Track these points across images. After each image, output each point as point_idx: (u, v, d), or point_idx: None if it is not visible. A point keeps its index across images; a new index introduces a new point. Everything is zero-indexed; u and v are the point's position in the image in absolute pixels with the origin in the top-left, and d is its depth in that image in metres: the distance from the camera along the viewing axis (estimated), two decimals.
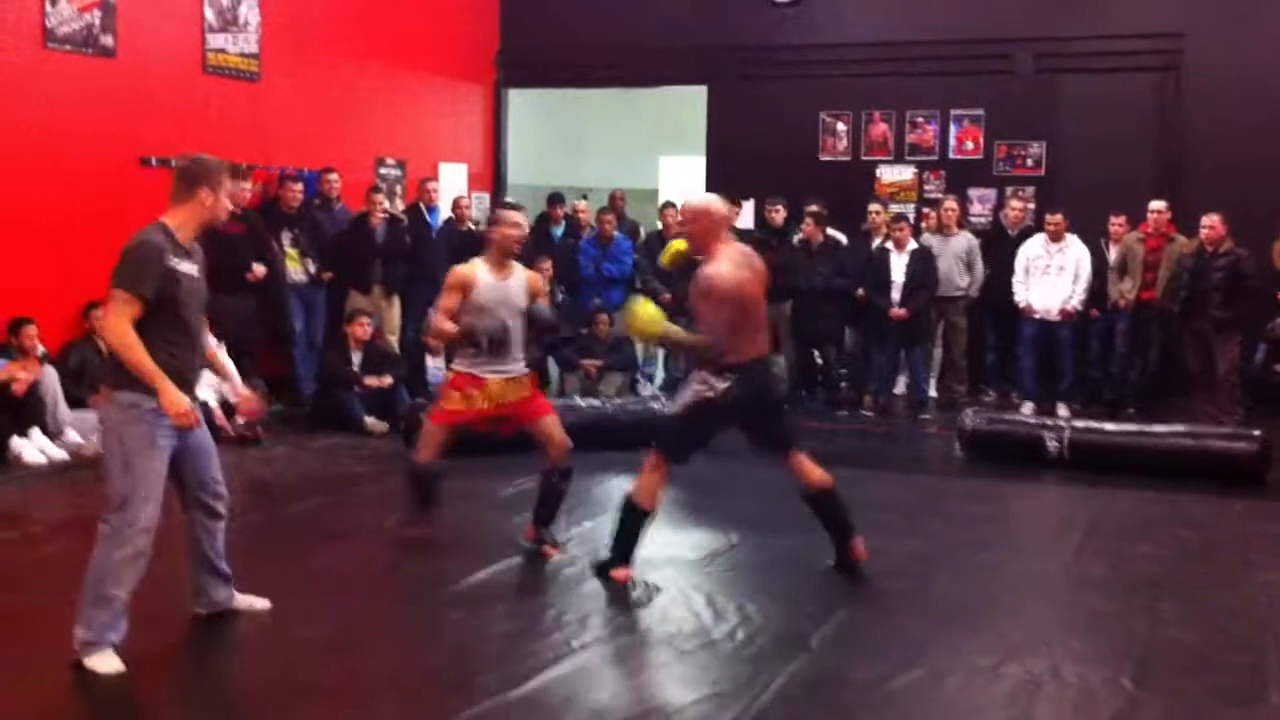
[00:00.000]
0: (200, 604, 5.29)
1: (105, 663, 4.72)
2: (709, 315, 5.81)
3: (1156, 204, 10.93)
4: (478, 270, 6.39)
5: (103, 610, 4.74)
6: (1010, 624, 5.49)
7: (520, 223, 6.47)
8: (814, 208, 11.45)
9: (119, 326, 4.72)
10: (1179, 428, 9.06)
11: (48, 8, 9.04)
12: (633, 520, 6.09)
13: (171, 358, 4.79)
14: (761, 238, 11.33)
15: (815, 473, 6.18)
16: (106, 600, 4.74)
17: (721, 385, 5.87)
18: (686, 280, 6.30)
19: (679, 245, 6.39)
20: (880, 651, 5.09)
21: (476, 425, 6.51)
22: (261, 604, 5.41)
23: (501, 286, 6.38)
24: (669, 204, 12.27)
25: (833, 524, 6.21)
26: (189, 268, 4.95)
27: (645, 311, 6.10)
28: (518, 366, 6.49)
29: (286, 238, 10.61)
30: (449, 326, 6.35)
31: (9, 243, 8.85)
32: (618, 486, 8.05)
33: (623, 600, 5.73)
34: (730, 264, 5.86)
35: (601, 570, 6.12)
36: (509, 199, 12.88)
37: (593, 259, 12.20)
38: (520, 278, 6.48)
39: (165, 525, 4.94)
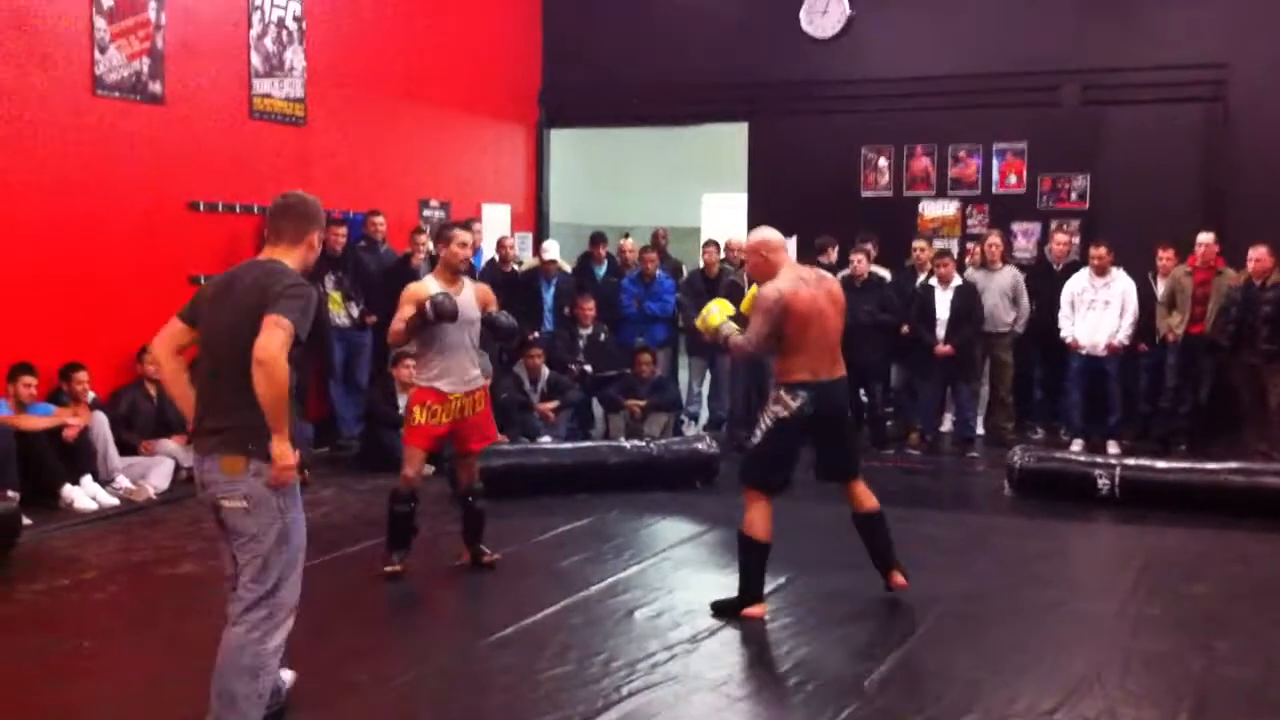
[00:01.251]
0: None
1: None
2: (753, 326, 6.08)
3: (1204, 236, 10.83)
4: (429, 285, 6.77)
5: (256, 707, 4.35)
6: (1064, 665, 5.43)
7: (467, 242, 6.93)
8: (867, 245, 11.44)
9: (283, 361, 4.16)
10: (1231, 465, 8.94)
11: (97, 55, 9.18)
12: (752, 555, 6.15)
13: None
14: None
15: (870, 500, 6.41)
16: (260, 695, 4.36)
17: (795, 403, 6.05)
18: (736, 319, 6.48)
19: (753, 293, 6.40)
20: (934, 695, 5.05)
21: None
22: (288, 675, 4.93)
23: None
24: (711, 242, 12.28)
25: (876, 549, 6.41)
26: None
27: (716, 305, 6.47)
28: (476, 378, 6.88)
29: (330, 280, 10.68)
30: (400, 325, 6.67)
31: (60, 289, 8.95)
32: (666, 528, 8.08)
33: (672, 645, 5.70)
34: (787, 281, 6.10)
35: (723, 611, 6.13)
36: (500, 234, 12.98)
37: (635, 297, 12.21)
38: (469, 291, 6.87)
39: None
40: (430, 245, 11.44)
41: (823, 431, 6.22)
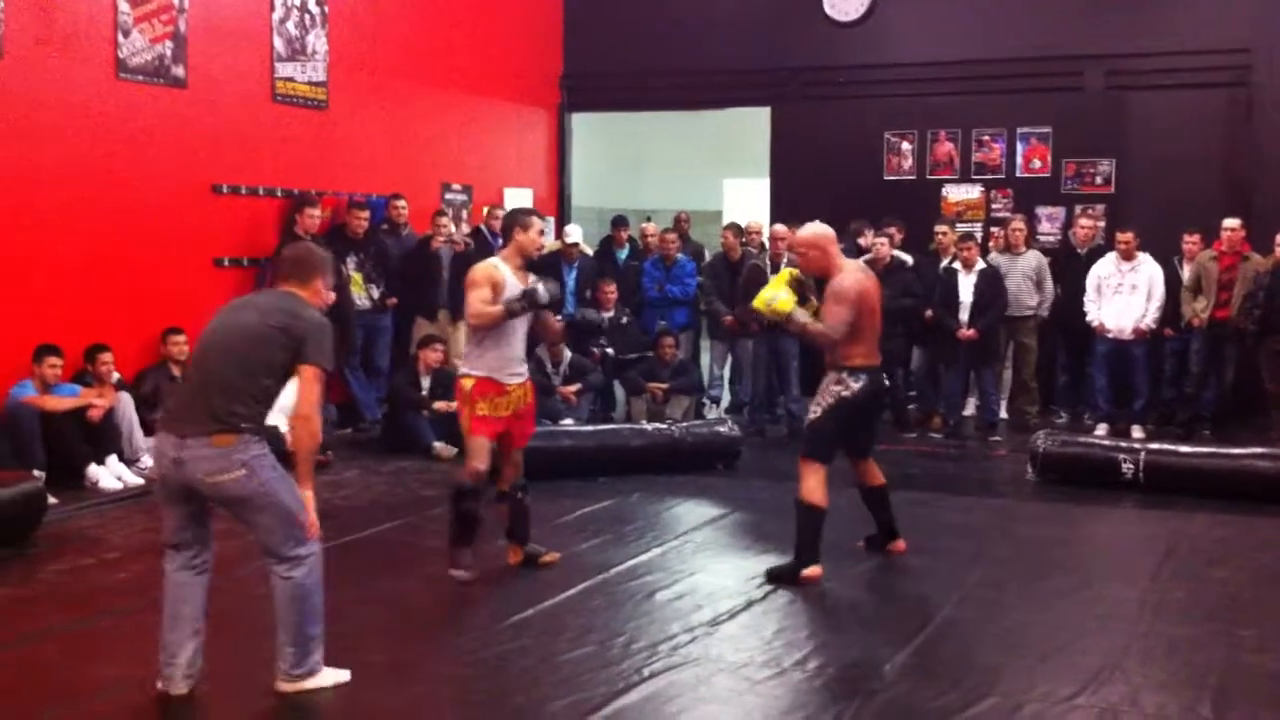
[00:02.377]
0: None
1: (333, 675, 4.91)
2: (835, 315, 6.45)
3: (1231, 222, 10.76)
4: (503, 270, 6.46)
5: (318, 641, 4.85)
6: (1086, 651, 5.40)
7: (544, 230, 6.91)
8: (892, 229, 11.41)
9: (316, 411, 4.72)
10: (1256, 450, 8.88)
11: (120, 39, 9.20)
12: (811, 520, 6.47)
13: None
14: None
15: (879, 475, 6.98)
16: (318, 631, 4.84)
17: (856, 385, 6.50)
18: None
19: (791, 272, 6.80)
20: (954, 680, 5.03)
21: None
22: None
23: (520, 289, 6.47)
24: (733, 225, 12.25)
25: (883, 515, 6.97)
26: None
27: (783, 290, 6.61)
28: (525, 369, 6.72)
29: (351, 263, 10.70)
30: (496, 310, 6.35)
31: (84, 271, 8.99)
32: (687, 511, 8.08)
33: (693, 627, 5.70)
34: (857, 272, 6.68)
35: (780, 577, 6.42)
36: (533, 216, 12.96)
37: (656, 281, 12.20)
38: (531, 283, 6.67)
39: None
40: (452, 228, 11.46)
41: (866, 413, 6.71)
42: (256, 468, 4.64)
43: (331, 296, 5.10)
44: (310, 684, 4.83)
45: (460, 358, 11.17)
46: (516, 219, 6.65)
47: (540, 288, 6.44)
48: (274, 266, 5.08)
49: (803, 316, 6.58)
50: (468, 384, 6.42)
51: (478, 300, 6.35)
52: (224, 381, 4.66)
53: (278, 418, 9.44)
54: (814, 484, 6.46)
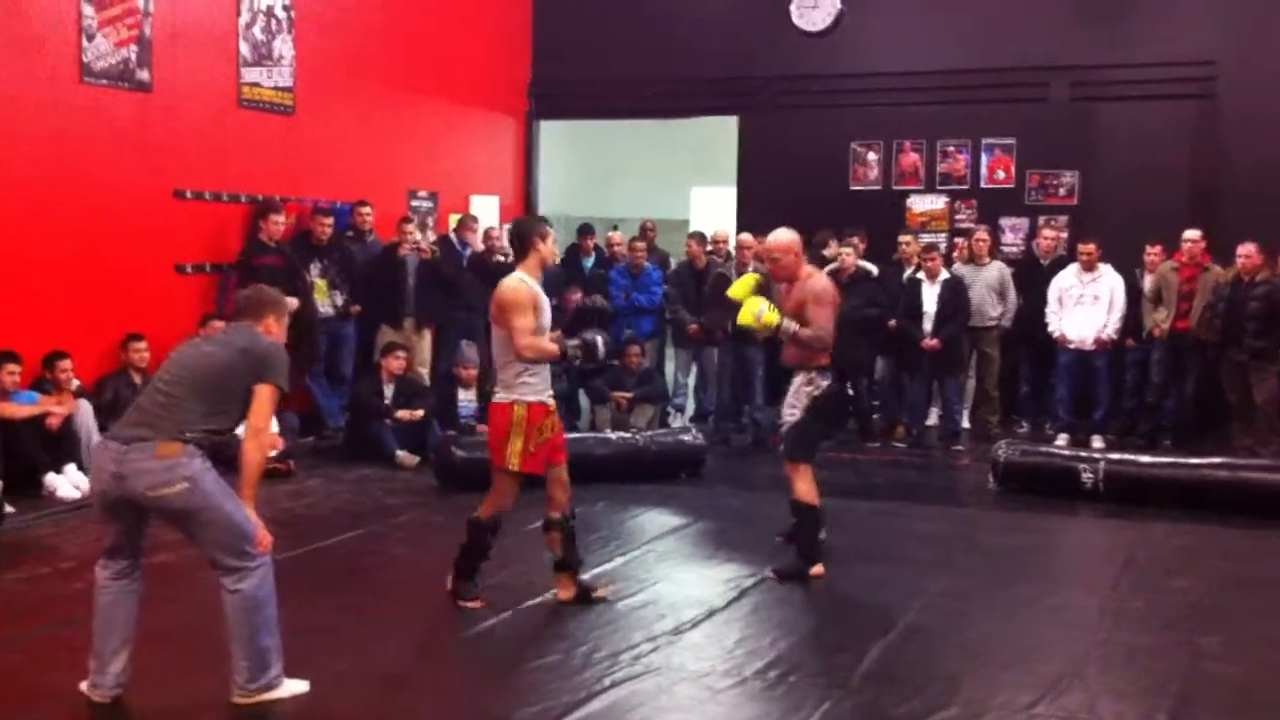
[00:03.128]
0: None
1: (295, 686, 4.89)
2: (824, 318, 6.62)
3: (1191, 233, 10.85)
4: (534, 287, 6.07)
5: (274, 652, 4.82)
6: (1047, 659, 5.43)
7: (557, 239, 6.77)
8: (855, 239, 11.46)
9: (270, 430, 4.88)
10: (1215, 460, 8.96)
11: (84, 43, 9.13)
12: (811, 520, 6.73)
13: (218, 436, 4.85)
14: None
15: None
16: (273, 643, 4.82)
17: (824, 383, 6.70)
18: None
19: (755, 278, 6.98)
20: (916, 688, 5.04)
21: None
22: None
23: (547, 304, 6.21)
24: (697, 234, 12.27)
25: (804, 536, 6.84)
26: None
27: (763, 303, 6.68)
28: None
29: (315, 269, 10.65)
30: (553, 348, 6.08)
31: (44, 276, 8.91)
32: (651, 520, 8.08)
33: (655, 636, 5.70)
34: (824, 277, 6.94)
35: (791, 575, 6.65)
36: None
37: (623, 289, 12.20)
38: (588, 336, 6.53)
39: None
40: (418, 235, 11.42)
41: (840, 406, 7.01)
42: (199, 480, 4.64)
43: (283, 334, 5.12)
44: (267, 697, 4.80)
45: (424, 366, 11.32)
46: (535, 228, 6.28)
47: (598, 341, 6.36)
48: (233, 309, 5.20)
49: (791, 324, 6.63)
50: (520, 411, 5.96)
51: (528, 331, 5.91)
52: (183, 398, 4.72)
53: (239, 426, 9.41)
54: (807, 485, 6.68)
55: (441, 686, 5.11)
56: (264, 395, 4.76)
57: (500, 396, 6.04)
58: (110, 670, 4.80)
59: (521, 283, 6.01)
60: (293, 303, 10.11)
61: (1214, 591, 6.60)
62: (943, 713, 4.79)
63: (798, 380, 6.79)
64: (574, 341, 6.24)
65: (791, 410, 6.79)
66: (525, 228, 6.34)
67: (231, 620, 4.75)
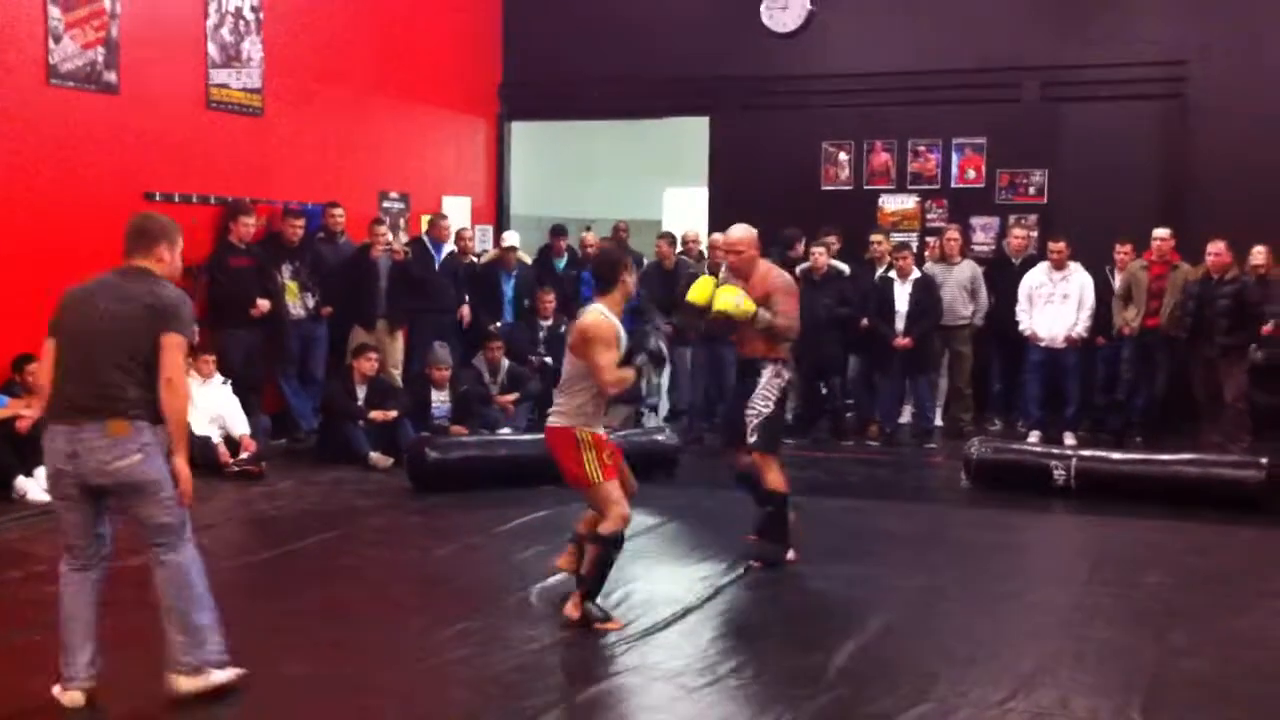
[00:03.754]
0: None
1: (228, 674, 4.86)
2: (792, 309, 6.88)
3: (1160, 232, 10.92)
4: (615, 321, 5.99)
5: (211, 630, 4.84)
6: (1019, 656, 5.46)
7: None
8: (830, 238, 11.48)
9: (185, 381, 4.85)
10: (1185, 456, 9.02)
11: (51, 45, 9.07)
12: (782, 506, 6.89)
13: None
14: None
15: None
16: (209, 620, 4.85)
17: (788, 375, 6.99)
18: (694, 312, 7.04)
19: (711, 281, 7.01)
20: (889, 686, 5.06)
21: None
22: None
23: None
24: (667, 235, 12.28)
25: (778, 522, 6.99)
26: None
27: (738, 293, 6.74)
28: None
29: (286, 271, 10.61)
30: (631, 373, 6.03)
31: (13, 279, 8.84)
32: None
33: (627, 637, 5.69)
34: (783, 271, 7.16)
35: (768, 560, 6.84)
36: (509, 230, 12.94)
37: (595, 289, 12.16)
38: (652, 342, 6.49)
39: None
40: (390, 236, 11.39)
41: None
42: (151, 454, 4.73)
43: (177, 262, 5.11)
44: (210, 680, 4.80)
45: (397, 367, 11.28)
46: (624, 262, 6.13)
47: (661, 347, 6.37)
48: (123, 244, 5.20)
49: (766, 314, 6.76)
50: (585, 434, 5.91)
51: (613, 366, 5.86)
52: (107, 369, 4.73)
53: (209, 428, 9.39)
54: (776, 474, 6.86)
55: (412, 689, 5.09)
56: (170, 345, 4.74)
57: (558, 421, 6.00)
58: (79, 661, 4.81)
59: (604, 316, 5.92)
60: (264, 304, 10.18)
61: (1184, 587, 6.64)
62: (915, 709, 4.80)
63: (767, 373, 6.89)
64: (640, 357, 6.15)
65: (765, 403, 6.86)
66: (613, 259, 6.19)
67: (165, 595, 4.80)
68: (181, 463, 4.77)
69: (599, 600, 5.93)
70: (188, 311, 4.88)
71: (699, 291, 6.94)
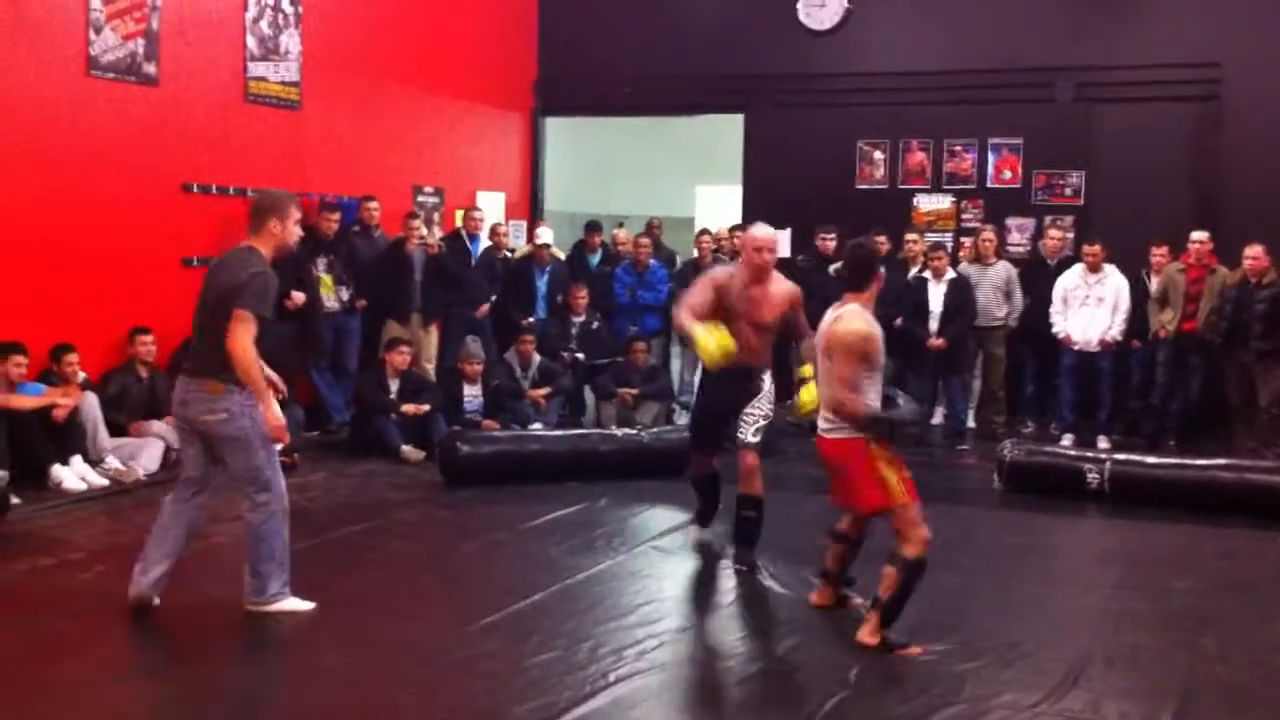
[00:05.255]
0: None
1: (294, 604, 5.73)
2: (806, 326, 6.78)
3: (1198, 235, 10.84)
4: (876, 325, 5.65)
5: (273, 577, 5.67)
6: (1050, 659, 5.43)
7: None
8: (880, 237, 11.43)
9: (249, 347, 5.44)
10: (1219, 461, 8.96)
11: (91, 36, 9.14)
12: (761, 510, 6.85)
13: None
14: (805, 266, 11.43)
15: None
16: (271, 568, 5.66)
17: (771, 382, 6.89)
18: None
19: (729, 342, 6.29)
20: (920, 687, 5.04)
21: None
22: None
23: None
24: (705, 231, 12.26)
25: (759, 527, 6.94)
26: None
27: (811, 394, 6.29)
28: None
29: (321, 264, 10.66)
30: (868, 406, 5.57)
31: (51, 269, 8.92)
32: (655, 516, 8.08)
33: (659, 633, 5.69)
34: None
35: (751, 566, 6.74)
36: (543, 224, 12.96)
37: (628, 286, 12.20)
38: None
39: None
40: (424, 230, 11.42)
41: None
42: (237, 415, 5.51)
43: (294, 232, 5.81)
44: (271, 608, 5.65)
45: (430, 361, 11.32)
46: (876, 258, 5.83)
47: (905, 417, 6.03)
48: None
49: (810, 369, 6.30)
50: (879, 449, 5.56)
51: (852, 387, 5.52)
52: (210, 335, 5.50)
53: None
54: (760, 480, 6.87)
55: (441, 682, 5.11)
56: (236, 319, 5.40)
57: (842, 432, 5.56)
58: (151, 575, 5.66)
59: (871, 324, 5.59)
60: (299, 297, 10.23)
61: (1216, 592, 6.60)
62: (946, 711, 4.79)
63: (768, 379, 6.90)
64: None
65: (771, 405, 6.90)
66: (867, 256, 5.74)
67: (245, 542, 5.67)
68: (265, 410, 5.51)
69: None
70: (258, 287, 5.47)
71: (809, 397, 6.28)
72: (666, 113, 14.56)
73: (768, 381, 6.87)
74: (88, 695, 4.82)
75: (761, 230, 6.78)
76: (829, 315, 5.67)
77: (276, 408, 5.61)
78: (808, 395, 6.33)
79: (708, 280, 6.72)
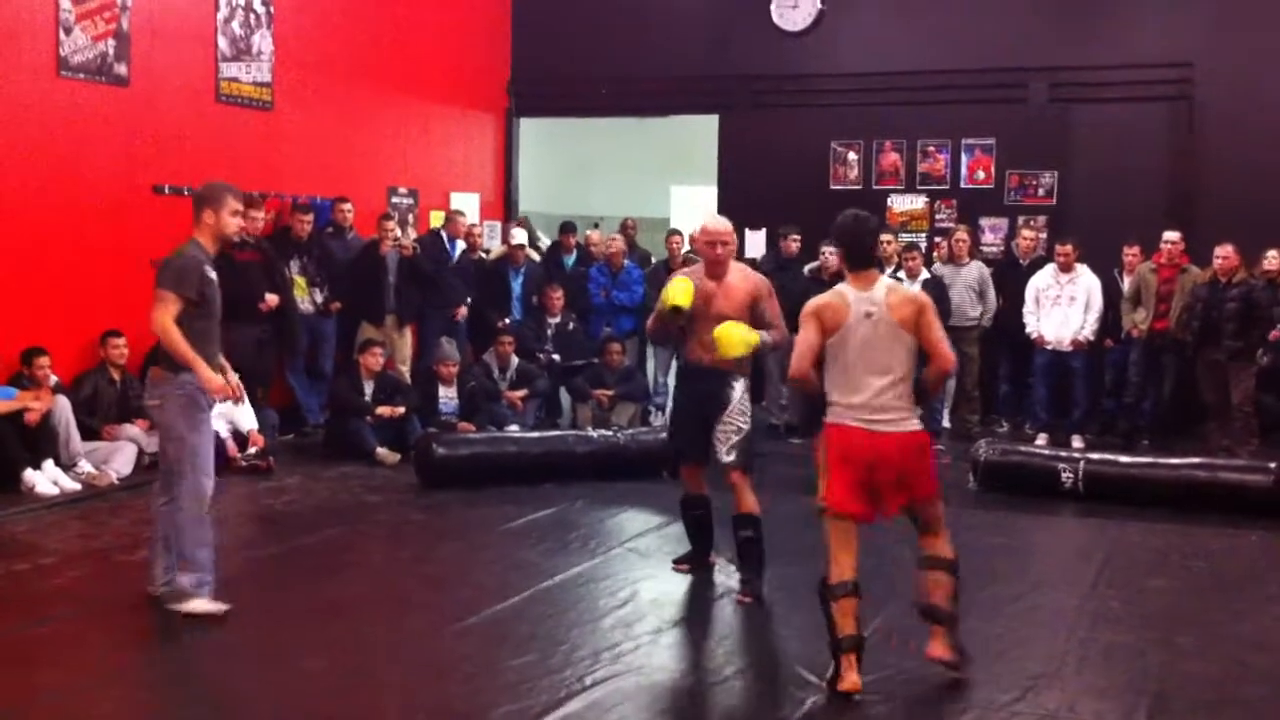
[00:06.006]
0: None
1: (203, 606, 5.66)
2: (777, 312, 6.40)
3: (1170, 235, 10.90)
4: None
5: (193, 565, 5.68)
6: (1026, 658, 5.45)
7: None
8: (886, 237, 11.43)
9: (164, 320, 5.60)
10: (1193, 459, 9.01)
11: (62, 36, 9.08)
12: (760, 529, 6.33)
13: (199, 344, 5.67)
14: (767, 267, 11.42)
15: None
16: (190, 559, 5.68)
17: (743, 390, 6.43)
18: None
19: (689, 284, 6.25)
20: (896, 686, 5.05)
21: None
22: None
23: None
24: (676, 231, 12.27)
25: (760, 547, 6.45)
26: (214, 275, 5.88)
27: (737, 333, 6.06)
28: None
29: (295, 266, 10.62)
30: None
31: (22, 272, 8.86)
32: (631, 518, 8.08)
33: (636, 635, 5.69)
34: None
35: (756, 595, 6.25)
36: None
37: (603, 287, 12.19)
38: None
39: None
40: (398, 231, 11.39)
41: None
42: (167, 404, 5.69)
43: (229, 222, 5.92)
44: (176, 605, 5.67)
45: (405, 363, 11.29)
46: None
47: None
48: None
49: (765, 335, 6.25)
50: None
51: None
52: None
53: (217, 423, 9.40)
54: (753, 496, 6.37)
55: (417, 685, 5.09)
56: (156, 298, 5.66)
57: (916, 424, 5.21)
58: (154, 572, 5.87)
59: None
60: (272, 299, 10.17)
61: (1190, 591, 6.64)
62: (922, 710, 4.80)
63: (740, 387, 6.37)
64: None
65: (744, 418, 6.37)
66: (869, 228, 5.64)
67: (172, 533, 5.76)
68: (200, 375, 5.63)
69: None
70: (176, 266, 5.71)
71: (683, 295, 6.21)
72: (641, 113, 14.56)
73: (739, 389, 6.38)
74: (62, 702, 4.78)
75: (713, 222, 6.57)
76: (883, 294, 5.29)
77: (212, 372, 5.70)
78: (727, 333, 6.03)
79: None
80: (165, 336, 5.64)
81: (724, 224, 6.56)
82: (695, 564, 6.77)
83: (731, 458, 6.34)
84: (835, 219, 5.73)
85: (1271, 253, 10.46)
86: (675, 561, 6.83)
